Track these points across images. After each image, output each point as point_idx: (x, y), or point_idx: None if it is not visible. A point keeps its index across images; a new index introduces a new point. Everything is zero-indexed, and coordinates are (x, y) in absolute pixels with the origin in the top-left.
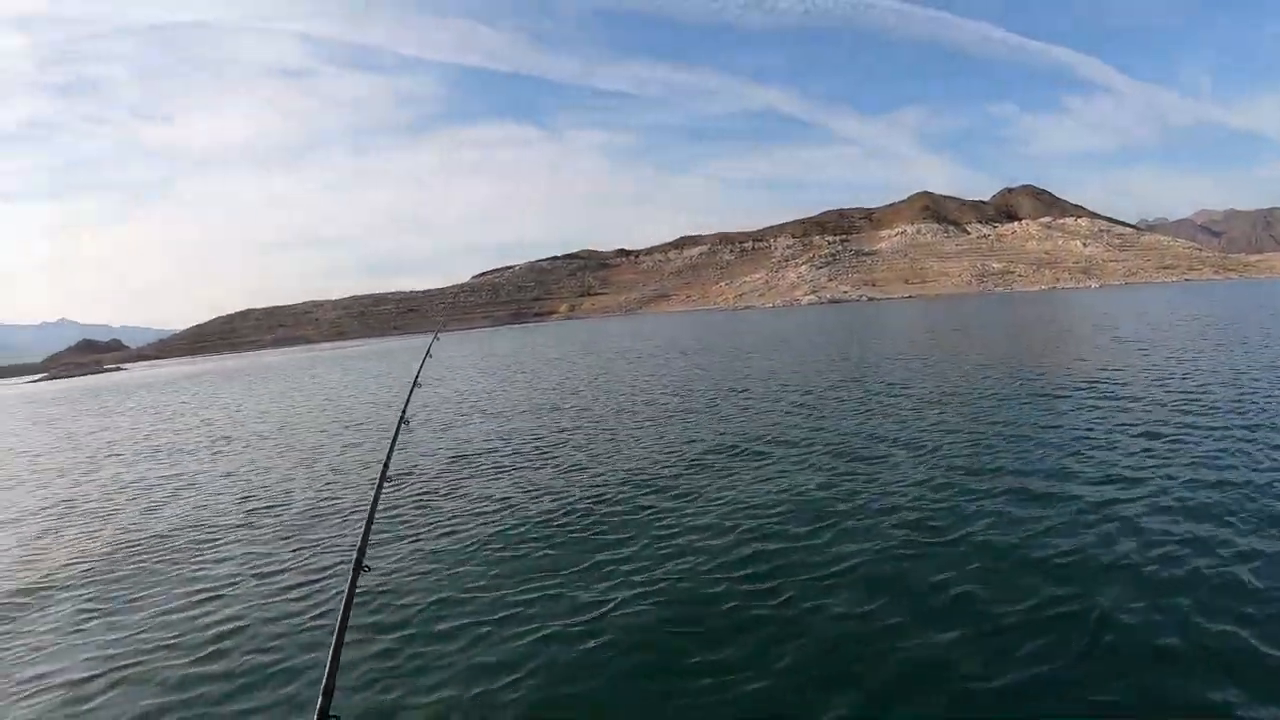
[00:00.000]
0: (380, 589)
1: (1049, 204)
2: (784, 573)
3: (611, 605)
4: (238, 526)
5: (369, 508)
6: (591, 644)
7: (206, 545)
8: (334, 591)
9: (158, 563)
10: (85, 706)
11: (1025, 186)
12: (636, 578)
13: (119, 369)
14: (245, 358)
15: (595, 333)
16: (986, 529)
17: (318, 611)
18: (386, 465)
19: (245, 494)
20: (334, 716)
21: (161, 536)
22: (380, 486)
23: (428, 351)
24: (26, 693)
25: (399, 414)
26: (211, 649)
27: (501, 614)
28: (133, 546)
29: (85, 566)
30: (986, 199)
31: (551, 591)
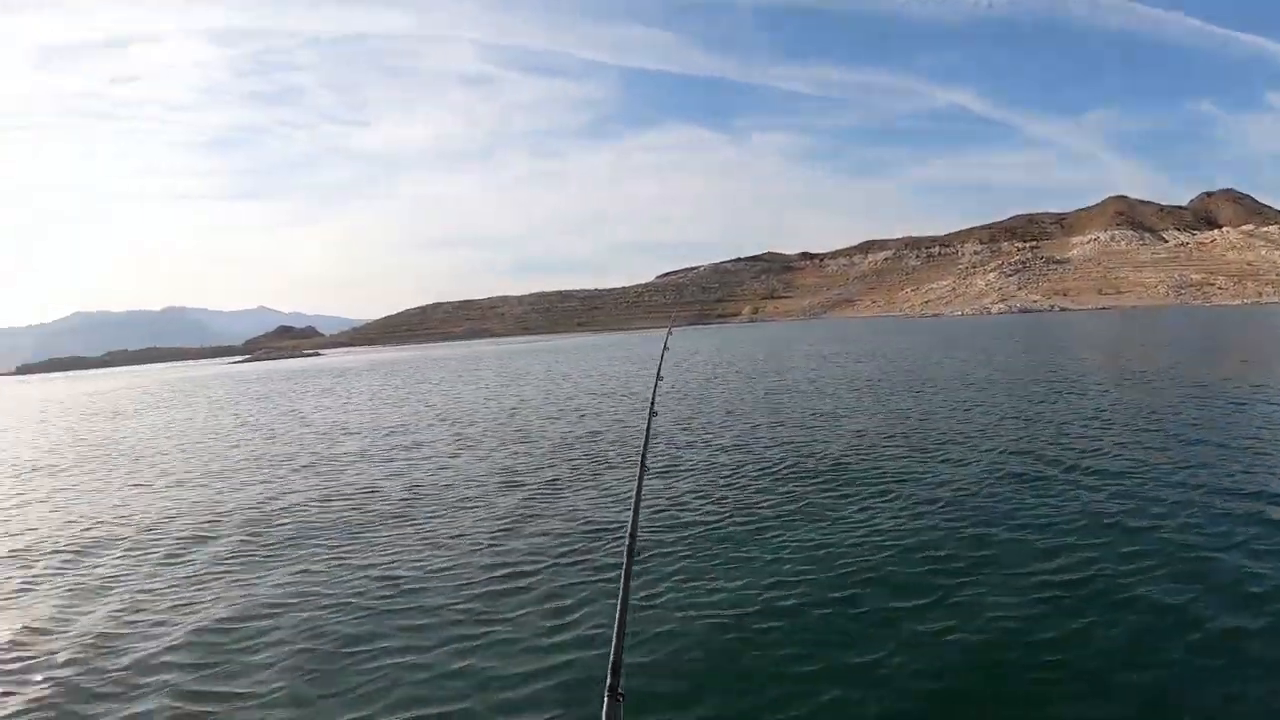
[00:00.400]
0: (652, 571)
1: (1251, 210)
2: (1099, 591)
3: (898, 606)
4: (508, 511)
5: (634, 492)
6: (865, 640)
7: (477, 525)
8: (609, 570)
9: (430, 542)
10: (368, 667)
11: (1226, 191)
12: (928, 577)
13: (316, 354)
14: (436, 348)
15: (786, 336)
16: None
17: (591, 591)
18: (644, 453)
19: (507, 479)
20: (621, 694)
21: (432, 516)
22: (642, 473)
23: (665, 346)
24: (316, 640)
25: (648, 405)
26: (497, 627)
27: (770, 602)
28: (397, 519)
29: (348, 537)
30: (1184, 204)
31: (810, 585)
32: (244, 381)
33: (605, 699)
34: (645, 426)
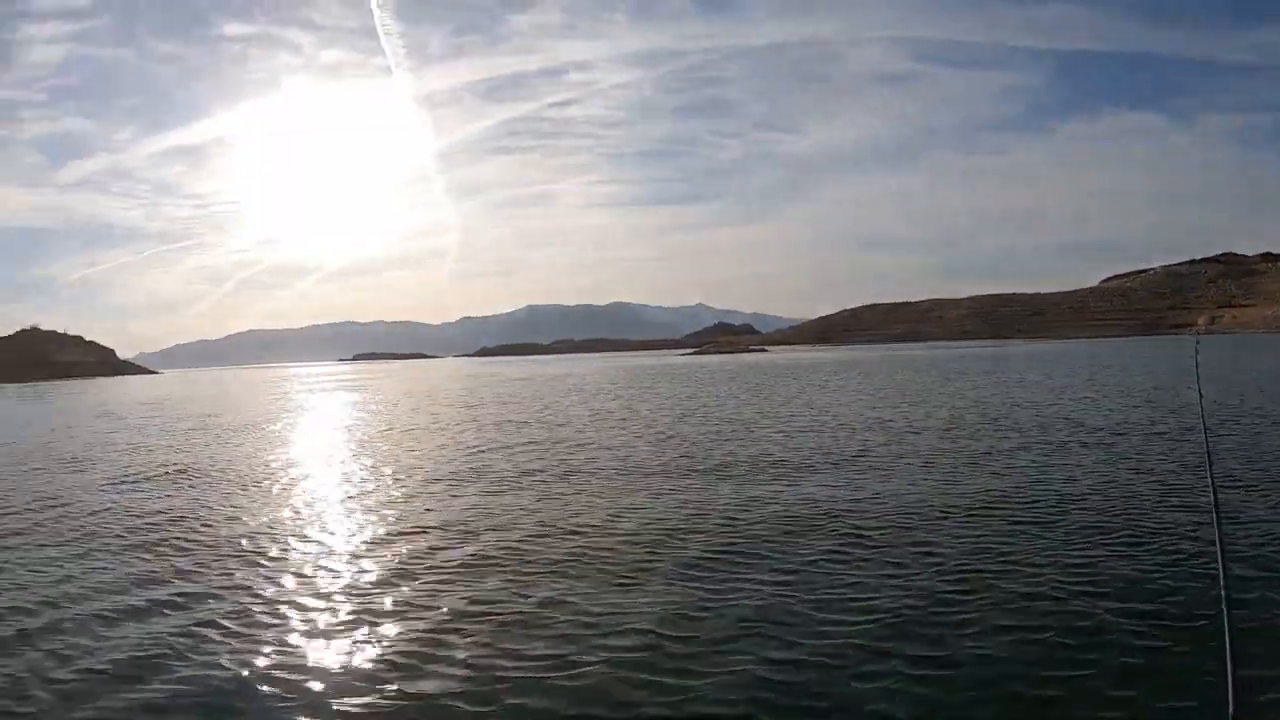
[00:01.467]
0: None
1: None
2: None
3: None
4: (1084, 522)
5: (1213, 517)
6: None
7: (1037, 540)
8: (1190, 587)
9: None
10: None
11: None
12: None
13: (763, 350)
14: (877, 350)
15: None
16: None
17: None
18: (1215, 493)
19: (1066, 490)
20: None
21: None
22: (1219, 516)
23: (1196, 366)
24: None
25: (1201, 426)
26: (1074, 633)
27: None
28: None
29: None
30: None
31: None
32: (719, 372)
33: None
34: (1207, 464)
